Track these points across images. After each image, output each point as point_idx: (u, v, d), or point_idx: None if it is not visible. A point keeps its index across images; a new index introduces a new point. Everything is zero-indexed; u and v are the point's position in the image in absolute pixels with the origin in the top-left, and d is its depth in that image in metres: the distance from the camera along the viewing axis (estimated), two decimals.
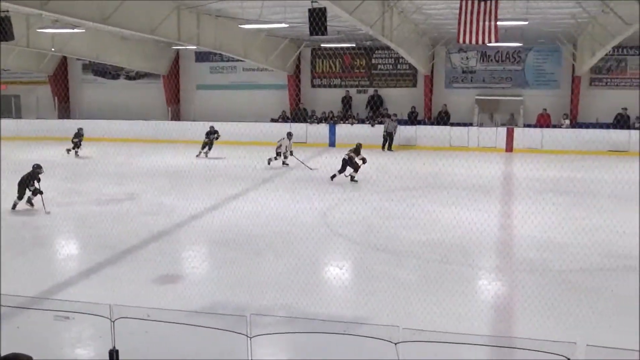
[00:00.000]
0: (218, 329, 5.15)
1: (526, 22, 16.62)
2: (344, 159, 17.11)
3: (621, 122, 23.70)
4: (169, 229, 12.32)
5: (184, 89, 29.19)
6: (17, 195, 13.52)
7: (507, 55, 25.98)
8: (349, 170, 17.06)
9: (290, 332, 6.01)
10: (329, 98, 27.38)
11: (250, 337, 4.94)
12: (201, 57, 28.67)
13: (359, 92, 27.43)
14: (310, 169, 18.98)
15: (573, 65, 24.41)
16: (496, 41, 13.06)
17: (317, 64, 27.99)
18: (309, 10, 13.13)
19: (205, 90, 29.02)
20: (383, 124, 24.65)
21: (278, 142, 20.15)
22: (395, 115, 25.26)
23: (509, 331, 7.59)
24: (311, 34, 13.40)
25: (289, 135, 20.24)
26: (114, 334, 5.33)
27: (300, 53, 27.04)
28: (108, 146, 22.07)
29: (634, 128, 23.26)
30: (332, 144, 25.19)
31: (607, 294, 8.55)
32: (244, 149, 21.40)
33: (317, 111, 26.68)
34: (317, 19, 13.02)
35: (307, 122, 25.94)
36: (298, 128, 25.35)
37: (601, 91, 25.23)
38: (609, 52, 21.11)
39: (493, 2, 12.36)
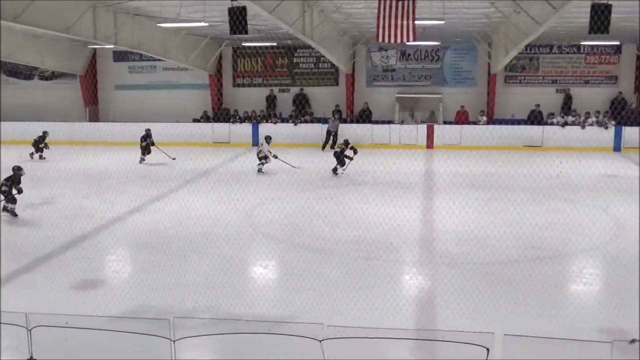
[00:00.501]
0: (141, 333, 5.06)
1: (443, 22, 17.00)
2: (335, 153, 18.41)
3: (536, 118, 24.60)
4: (89, 233, 11.98)
5: (102, 89, 28.39)
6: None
7: (426, 54, 26.50)
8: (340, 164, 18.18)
9: (215, 333, 5.95)
10: (251, 97, 27.21)
11: (174, 341, 4.89)
12: (119, 56, 27.99)
13: (281, 91, 27.42)
14: (294, 167, 18.77)
15: (489, 63, 25.12)
16: (414, 40, 13.32)
17: (238, 63, 27.79)
18: (229, 9, 13.04)
19: (124, 90, 28.34)
20: (306, 122, 24.77)
21: (258, 147, 19.62)
22: (339, 113, 25.35)
23: (431, 324, 7.75)
24: (232, 33, 13.30)
25: (268, 139, 19.51)
26: (31, 343, 5.16)
27: (221, 52, 26.77)
28: (23, 149, 21.25)
29: (547, 124, 24.17)
30: (255, 143, 25.01)
31: (523, 284, 8.84)
32: (166, 149, 21.04)
33: (239, 111, 26.50)
34: (238, 18, 12.93)
35: (229, 122, 25.74)
36: (220, 128, 25.18)
37: (515, 88, 26.09)
38: (522, 50, 21.83)
39: (410, 2, 12.60)
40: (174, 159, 19.96)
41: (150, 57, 24.47)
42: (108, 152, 21.31)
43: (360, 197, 14.63)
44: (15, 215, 13.25)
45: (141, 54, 25.00)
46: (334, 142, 23.79)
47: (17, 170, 13.57)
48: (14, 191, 13.30)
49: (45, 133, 21.72)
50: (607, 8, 12.17)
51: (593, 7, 12.24)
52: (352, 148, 18.09)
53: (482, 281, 9.08)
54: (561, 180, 16.01)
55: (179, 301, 8.28)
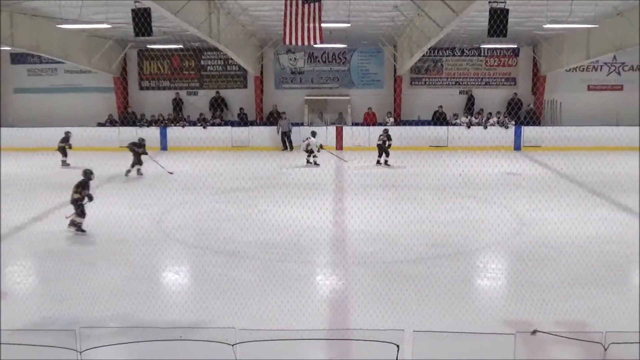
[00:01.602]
0: (45, 345, 4.88)
1: (349, 25, 17.22)
2: (378, 144, 20.41)
3: (438, 119, 25.35)
4: None
5: None
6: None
7: (334, 56, 26.82)
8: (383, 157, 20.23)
9: (124, 342, 5.80)
10: (158, 100, 26.73)
11: (80, 352, 4.74)
12: (17, 58, 26.84)
13: (189, 94, 27.07)
14: (345, 160, 20.78)
15: (394, 65, 25.68)
16: (321, 42, 13.44)
17: (144, 65, 27.24)
18: (133, 10, 12.79)
19: (23, 93, 27.21)
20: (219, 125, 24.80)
21: (305, 141, 20.88)
22: (284, 113, 25.21)
23: (344, 324, 7.84)
24: (136, 34, 13.05)
25: (313, 133, 21.12)
26: None
27: (125, 54, 26.15)
28: None
29: (452, 124, 24.95)
30: (164, 147, 24.65)
31: (432, 281, 9.08)
32: (70, 154, 20.38)
33: (146, 114, 25.98)
34: (142, 20, 12.70)
35: (136, 125, 25.17)
36: (127, 132, 24.55)
37: (421, 90, 26.80)
38: (426, 53, 22.44)
39: (316, 5, 12.70)
40: (171, 173, 18.60)
41: (51, 59, 23.64)
42: (7, 158, 20.39)
43: (270, 200, 14.63)
44: (83, 231, 11.92)
45: (41, 56, 24.12)
46: (291, 143, 24.09)
47: (90, 174, 12.29)
48: (85, 200, 11.93)
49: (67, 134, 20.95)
50: (505, 12, 12.70)
51: (491, 11, 12.73)
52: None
53: (392, 280, 9.26)
54: (465, 179, 16.56)
55: (86, 311, 8.02)
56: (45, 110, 26.17)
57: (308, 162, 20.50)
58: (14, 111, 26.78)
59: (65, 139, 20.67)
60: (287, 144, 24.35)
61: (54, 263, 10.16)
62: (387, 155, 20.34)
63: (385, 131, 20.84)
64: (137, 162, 18.61)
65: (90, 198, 11.98)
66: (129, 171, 18.59)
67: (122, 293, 8.62)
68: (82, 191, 11.90)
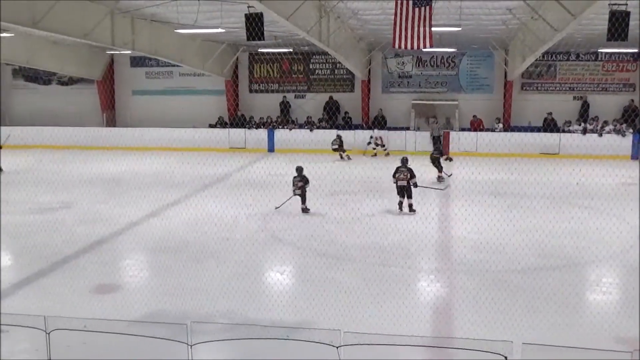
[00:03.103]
0: (158, 337, 5.08)
1: (459, 28, 16.97)
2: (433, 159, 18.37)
3: (549, 126, 24.48)
4: (106, 238, 12.05)
5: (119, 95, 28.65)
6: None
7: (442, 61, 26.47)
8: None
9: (231, 338, 5.95)
10: (267, 103, 27.32)
11: (191, 345, 4.90)
12: (136, 62, 28.21)
13: (297, 97, 27.48)
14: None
15: (505, 70, 25.05)
16: (431, 46, 13.28)
17: (254, 69, 27.91)
18: (246, 15, 13.10)
19: (141, 95, 28.55)
20: (325, 128, 25.03)
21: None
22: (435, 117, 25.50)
23: (448, 332, 7.71)
24: (248, 39, 13.37)
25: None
26: (50, 346, 5.19)
27: (237, 58, 26.90)
28: (41, 153, 21.42)
29: (564, 131, 24.04)
30: (271, 149, 25.16)
31: (541, 292, 8.78)
32: (183, 155, 21.16)
33: (255, 116, 26.60)
34: (254, 24, 13.00)
35: (245, 127, 25.83)
36: (236, 134, 25.25)
37: (532, 95, 25.99)
38: (539, 57, 21.75)
39: (427, 8, 12.57)
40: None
41: (167, 62, 24.64)
42: (125, 157, 21.45)
43: (374, 204, 14.60)
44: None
45: (158, 60, 25.18)
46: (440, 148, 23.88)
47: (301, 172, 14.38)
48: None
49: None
50: (626, 15, 12.11)
51: (611, 13, 12.18)
52: (447, 158, 19.35)
53: (499, 289, 9.02)
54: (579, 188, 15.91)
55: (195, 306, 8.30)
56: (160, 111, 27.34)
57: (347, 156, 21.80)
58: (132, 112, 28.13)
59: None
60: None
61: (165, 259, 10.58)
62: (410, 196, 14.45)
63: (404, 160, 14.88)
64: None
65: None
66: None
67: (229, 290, 8.84)
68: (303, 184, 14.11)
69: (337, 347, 4.90)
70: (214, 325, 7.12)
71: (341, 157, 22.64)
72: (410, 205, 14.11)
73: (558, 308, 8.26)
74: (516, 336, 5.91)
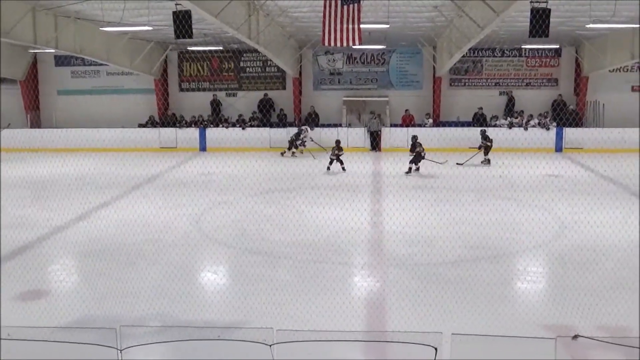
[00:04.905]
0: (86, 343, 4.96)
1: (388, 26, 17.18)
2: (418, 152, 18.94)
3: (478, 120, 25.08)
4: (32, 243, 11.66)
5: (43, 95, 27.78)
6: None
7: (372, 57, 26.75)
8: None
9: (163, 341, 5.87)
10: (198, 102, 27.02)
11: (121, 350, 4.81)
12: (61, 61, 27.42)
13: (228, 95, 27.28)
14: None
15: (434, 66, 25.51)
16: (360, 44, 13.42)
17: (184, 67, 27.55)
18: (173, 13, 12.94)
19: (66, 95, 27.77)
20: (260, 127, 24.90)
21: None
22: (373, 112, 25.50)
23: (381, 326, 7.80)
24: (176, 37, 13.20)
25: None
26: None
27: (166, 56, 26.50)
28: None
29: (491, 126, 24.66)
30: (202, 148, 24.91)
31: (470, 283, 8.99)
32: (112, 155, 20.73)
33: (186, 115, 26.27)
34: (182, 22, 12.85)
35: (176, 126, 25.49)
36: (167, 133, 24.89)
37: (460, 91, 26.58)
38: (466, 54, 22.25)
39: (356, 6, 12.69)
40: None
41: (94, 61, 24.07)
42: (51, 159, 20.80)
43: (307, 201, 14.66)
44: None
45: (84, 59, 24.56)
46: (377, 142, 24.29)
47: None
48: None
49: None
50: (547, 12, 12.50)
51: (533, 11, 12.55)
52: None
53: (430, 282, 9.18)
54: (505, 180, 16.35)
55: (126, 310, 8.14)
56: (87, 111, 26.69)
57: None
58: (58, 113, 27.34)
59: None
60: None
61: (94, 263, 10.32)
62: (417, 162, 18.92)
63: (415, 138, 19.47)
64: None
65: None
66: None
67: (161, 292, 8.72)
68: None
69: (270, 346, 4.90)
70: (145, 329, 7.01)
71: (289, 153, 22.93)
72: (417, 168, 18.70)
73: (487, 298, 8.47)
74: (447, 327, 6.03)
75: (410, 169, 18.79)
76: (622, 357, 5.38)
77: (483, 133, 20.94)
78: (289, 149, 22.96)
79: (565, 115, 24.54)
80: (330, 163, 19.27)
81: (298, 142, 22.99)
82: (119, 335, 4.79)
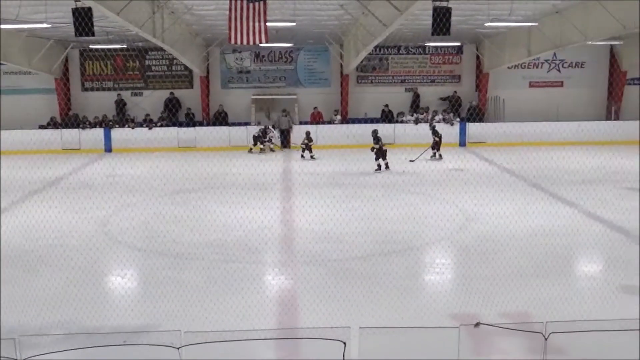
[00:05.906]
0: None
1: (294, 24, 17.20)
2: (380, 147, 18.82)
3: (386, 117, 25.56)
4: None
5: None
6: None
7: (280, 55, 26.77)
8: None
9: (66, 349, 5.67)
10: (102, 102, 26.20)
11: None
12: None
13: (133, 94, 26.64)
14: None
15: (341, 64, 25.79)
16: (266, 42, 13.41)
17: (87, 66, 26.68)
18: (73, 10, 12.49)
19: None
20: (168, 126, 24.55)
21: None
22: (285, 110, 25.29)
23: (293, 323, 7.83)
24: (77, 35, 12.76)
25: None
26: None
27: (67, 55, 25.58)
28: None
29: (398, 122, 25.19)
30: (108, 149, 24.24)
31: (380, 277, 9.15)
32: (9, 158, 19.84)
33: (90, 116, 25.46)
34: (83, 19, 12.43)
35: (79, 127, 24.66)
36: (70, 134, 24.07)
37: (367, 88, 26.99)
38: (372, 51, 22.60)
39: (261, 4, 12.67)
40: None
41: None
42: None
43: (216, 200, 14.52)
44: None
45: None
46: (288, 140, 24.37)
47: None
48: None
49: None
50: (447, 11, 12.86)
51: (434, 10, 12.89)
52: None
53: (340, 277, 9.29)
54: (411, 175, 16.71)
55: (27, 319, 7.81)
56: None
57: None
58: None
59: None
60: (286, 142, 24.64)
61: None
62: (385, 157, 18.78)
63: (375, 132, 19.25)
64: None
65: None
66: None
67: (66, 299, 8.42)
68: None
69: (178, 348, 4.83)
70: (49, 338, 6.76)
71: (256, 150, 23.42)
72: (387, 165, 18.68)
73: (395, 291, 8.64)
74: (356, 322, 6.11)
75: (379, 166, 18.75)
76: (522, 342, 5.62)
77: (433, 128, 21.35)
78: (255, 144, 23.30)
79: (465, 110, 25.38)
80: (303, 151, 21.55)
81: (265, 140, 23.41)
82: (17, 345, 4.61)
